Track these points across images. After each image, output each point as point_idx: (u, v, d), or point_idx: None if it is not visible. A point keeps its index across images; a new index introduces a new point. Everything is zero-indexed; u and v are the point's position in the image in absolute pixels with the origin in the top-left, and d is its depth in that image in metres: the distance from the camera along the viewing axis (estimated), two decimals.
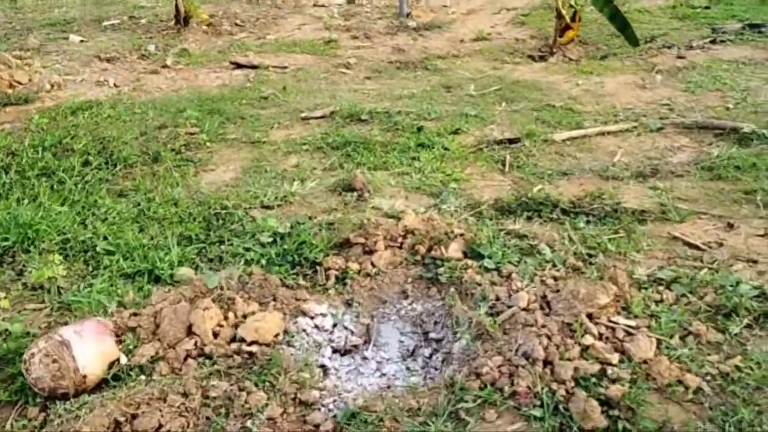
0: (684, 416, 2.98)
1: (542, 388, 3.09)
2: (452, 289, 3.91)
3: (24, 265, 4.35)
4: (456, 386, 3.17)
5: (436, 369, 3.65)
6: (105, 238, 4.65)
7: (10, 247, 4.49)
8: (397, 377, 3.71)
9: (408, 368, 3.77)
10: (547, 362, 3.22)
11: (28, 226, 4.63)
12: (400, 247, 4.28)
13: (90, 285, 4.12)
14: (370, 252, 4.26)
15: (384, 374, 3.73)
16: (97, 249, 4.50)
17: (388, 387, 3.59)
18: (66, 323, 3.80)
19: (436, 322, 3.89)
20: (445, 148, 5.96)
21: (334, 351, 3.79)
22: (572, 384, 3.12)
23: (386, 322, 3.96)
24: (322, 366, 3.63)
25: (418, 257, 4.20)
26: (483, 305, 3.65)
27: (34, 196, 5.24)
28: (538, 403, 3.04)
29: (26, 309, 3.94)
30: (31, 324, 3.80)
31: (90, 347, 3.30)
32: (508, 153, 5.88)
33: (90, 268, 4.38)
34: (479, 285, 3.83)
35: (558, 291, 3.65)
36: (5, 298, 3.93)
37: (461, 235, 4.28)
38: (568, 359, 3.22)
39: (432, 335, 3.85)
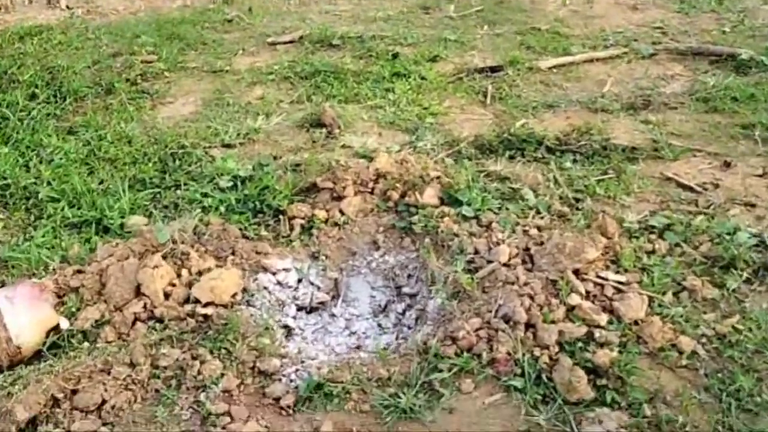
0: (677, 384, 2.73)
1: (523, 355, 2.82)
2: (427, 240, 3.58)
3: None
4: (430, 352, 2.89)
5: (409, 328, 3.37)
6: (49, 183, 4.25)
7: None
8: (367, 335, 3.43)
9: (380, 325, 3.49)
10: (529, 325, 2.94)
11: None
12: (372, 193, 3.92)
13: (30, 237, 3.75)
14: (339, 198, 3.90)
15: (353, 332, 3.45)
16: (40, 196, 4.10)
17: (358, 348, 3.32)
18: (2, 283, 3.45)
19: (409, 276, 3.59)
20: (422, 78, 5.52)
21: (299, 309, 3.49)
22: (556, 349, 2.84)
23: (356, 275, 3.65)
24: (286, 326, 3.33)
25: (391, 204, 3.85)
26: (460, 259, 3.33)
27: None
28: (519, 371, 2.77)
29: None
30: None
31: (24, 314, 2.96)
32: (489, 83, 5.46)
33: (32, 218, 4.00)
34: (456, 236, 3.51)
35: (542, 244, 3.34)
36: None
37: (438, 178, 3.92)
38: (552, 321, 2.93)
39: (405, 290, 3.56)
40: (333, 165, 4.09)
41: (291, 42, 6.46)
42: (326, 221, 3.79)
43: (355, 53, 6.11)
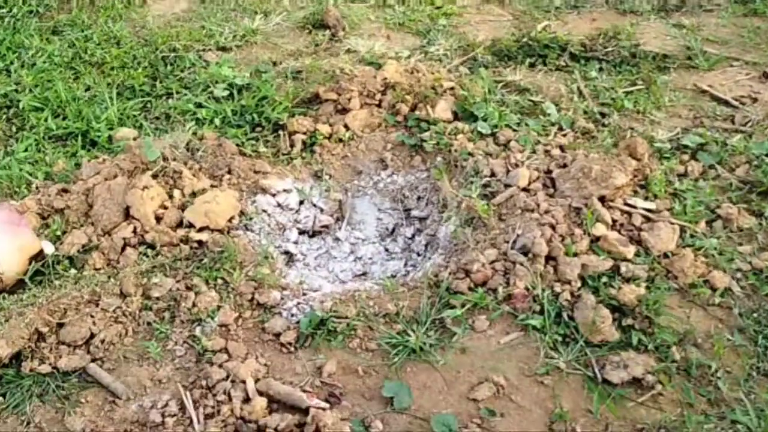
0: (709, 325, 2.53)
1: (543, 291, 2.60)
2: (439, 159, 3.31)
3: None
4: (441, 286, 2.68)
5: (418, 254, 3.16)
6: (31, 91, 3.93)
7: None
8: (373, 261, 3.22)
9: (387, 250, 3.28)
10: (549, 258, 2.70)
11: None
12: (379, 105, 3.60)
13: (12, 152, 3.48)
14: (344, 111, 3.59)
15: (359, 258, 3.24)
16: (22, 104, 3.79)
17: (364, 274, 3.12)
18: None
19: (419, 198, 3.34)
20: None
21: (301, 233, 3.26)
22: (579, 285, 2.62)
23: (361, 197, 3.40)
24: (287, 252, 3.12)
25: (400, 118, 3.54)
26: (475, 183, 3.07)
27: None
28: (538, 309, 2.57)
29: None
30: None
31: (3, 240, 2.74)
32: None
33: (13, 129, 3.71)
34: (471, 156, 3.22)
35: (565, 166, 3.05)
36: None
37: (451, 90, 3.59)
38: (575, 254, 2.70)
39: (414, 213, 3.32)
40: (337, 73, 3.75)
41: None
42: (329, 137, 3.50)
43: None
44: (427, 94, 3.52)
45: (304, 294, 2.77)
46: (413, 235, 3.27)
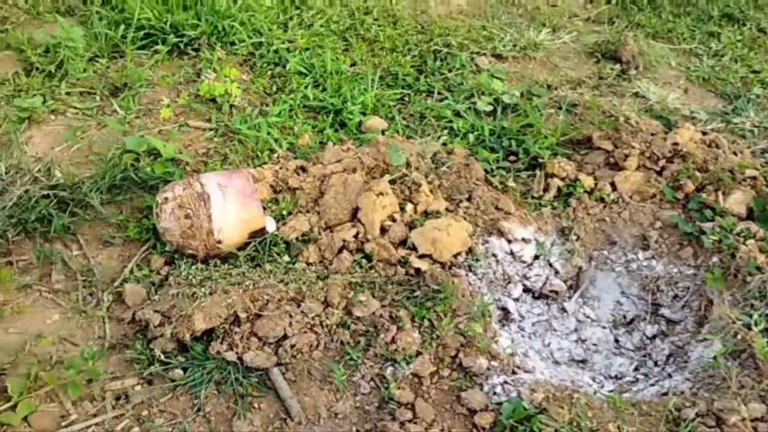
0: None
1: None
2: (716, 261, 2.73)
3: (202, 67, 3.72)
4: (682, 427, 2.16)
5: (656, 364, 2.64)
6: (301, 53, 3.87)
7: (196, 38, 3.86)
8: (598, 349, 2.76)
9: (617, 341, 2.80)
10: None
11: (222, 16, 3.94)
12: (660, 173, 3.07)
13: (265, 113, 3.43)
14: (615, 166, 3.11)
15: (583, 340, 2.80)
16: (288, 66, 3.75)
17: (583, 362, 2.67)
18: (224, 156, 3.19)
19: (676, 297, 2.79)
20: (761, 30, 4.30)
21: (526, 290, 2.87)
22: None
23: (606, 271, 2.92)
24: (504, 309, 2.75)
25: (681, 195, 2.98)
26: (759, 311, 2.46)
27: None
28: None
29: (188, 125, 3.35)
30: (187, 147, 3.23)
31: (231, 209, 2.65)
32: None
33: (273, 88, 3.67)
34: (760, 271, 2.61)
35: None
36: (168, 106, 3.35)
37: (753, 179, 2.96)
38: None
39: (665, 312, 2.79)
40: (619, 121, 3.26)
41: None
42: (591, 192, 3.04)
43: None
44: (722, 177, 2.93)
45: (514, 372, 2.39)
46: (654, 337, 2.75)
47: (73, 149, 3.19)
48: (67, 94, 3.49)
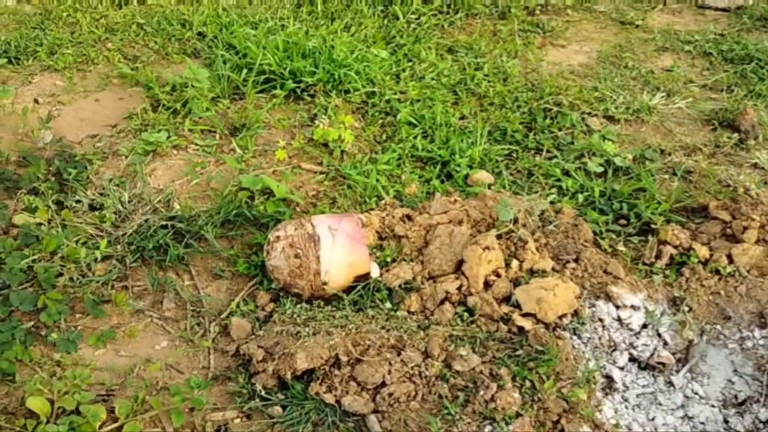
0: None
1: None
2: None
3: (317, 112, 3.85)
4: None
5: None
6: (412, 104, 3.95)
7: (313, 84, 4.01)
8: (706, 429, 2.60)
9: (726, 422, 2.63)
10: None
11: (339, 65, 4.08)
12: None
13: (375, 161, 3.50)
14: (732, 237, 2.98)
15: (689, 417, 2.65)
16: (399, 116, 3.83)
17: None
18: (333, 200, 3.27)
19: None
20: None
21: (631, 360, 2.76)
22: None
23: (719, 347, 2.77)
24: (608, 377, 2.65)
25: None
26: None
27: (355, 31, 4.67)
28: None
29: (301, 167, 3.47)
30: (298, 188, 3.33)
31: (339, 253, 2.70)
32: None
33: (383, 136, 3.75)
34: None
35: None
36: (283, 148, 3.48)
37: None
38: None
39: None
40: (737, 191, 3.14)
41: (725, 10, 5.28)
42: (705, 263, 2.92)
43: None
44: None
45: None
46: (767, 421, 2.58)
47: (192, 183, 3.35)
48: (190, 131, 3.68)
